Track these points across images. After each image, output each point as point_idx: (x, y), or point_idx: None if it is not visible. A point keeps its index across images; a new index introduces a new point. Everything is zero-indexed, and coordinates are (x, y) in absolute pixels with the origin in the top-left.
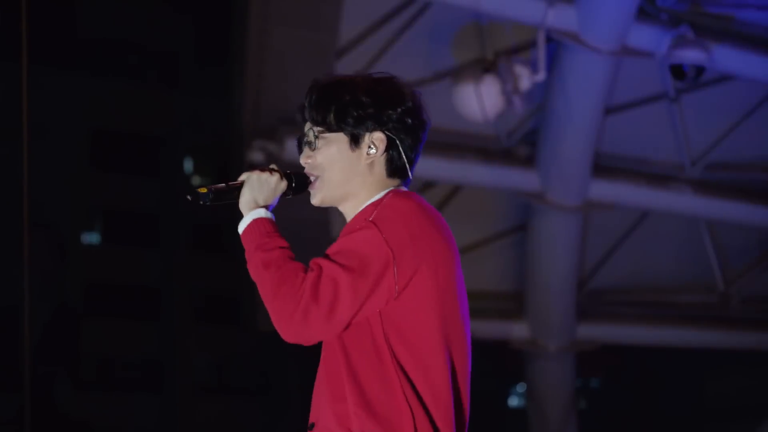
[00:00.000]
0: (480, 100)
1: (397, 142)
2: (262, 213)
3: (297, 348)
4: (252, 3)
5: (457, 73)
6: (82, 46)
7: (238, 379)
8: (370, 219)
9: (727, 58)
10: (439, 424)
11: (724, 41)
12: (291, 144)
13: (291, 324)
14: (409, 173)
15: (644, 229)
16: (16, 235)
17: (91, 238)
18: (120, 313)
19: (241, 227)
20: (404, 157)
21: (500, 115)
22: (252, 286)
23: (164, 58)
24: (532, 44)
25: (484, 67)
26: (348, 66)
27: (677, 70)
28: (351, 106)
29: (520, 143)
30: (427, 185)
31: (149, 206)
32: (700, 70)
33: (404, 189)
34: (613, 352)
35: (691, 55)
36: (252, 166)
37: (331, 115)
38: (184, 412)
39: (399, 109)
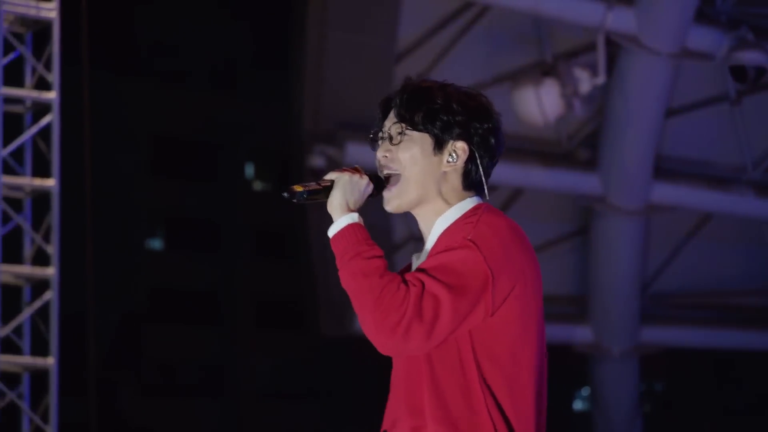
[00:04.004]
0: (540, 104)
1: (477, 156)
2: (356, 218)
3: (359, 354)
4: (310, 8)
5: (516, 77)
6: (142, 52)
7: (299, 384)
8: (469, 238)
9: None
10: None
11: None
12: (351, 148)
13: (392, 337)
14: (485, 190)
15: (707, 232)
16: (80, 243)
17: (154, 243)
18: (182, 319)
19: (333, 231)
20: (482, 172)
21: (560, 118)
22: (313, 292)
23: (224, 63)
24: (591, 47)
25: (543, 70)
26: (407, 70)
27: (738, 72)
28: (442, 110)
29: (580, 146)
30: (489, 189)
31: (211, 212)
32: (760, 71)
33: (489, 204)
34: (678, 355)
35: (751, 57)
36: (339, 166)
37: (421, 114)
38: (245, 417)
39: (486, 125)
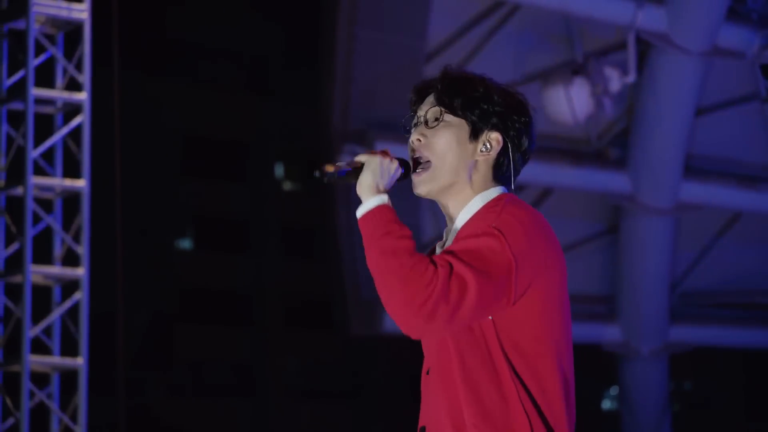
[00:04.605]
0: (570, 103)
1: (510, 149)
2: (385, 199)
3: (387, 353)
4: (340, 8)
5: (546, 76)
6: (172, 52)
7: (330, 383)
8: (494, 226)
9: None
10: (554, 428)
11: None
12: (381, 147)
13: (417, 315)
14: (512, 185)
15: (737, 231)
16: (110, 243)
17: (184, 243)
18: (211, 318)
19: (362, 211)
20: (512, 166)
21: (590, 117)
22: (342, 291)
23: (254, 63)
24: (621, 46)
25: (573, 69)
26: (437, 70)
27: None
28: (482, 98)
29: (610, 145)
30: (517, 188)
31: (240, 211)
32: None
33: (513, 194)
34: (707, 354)
35: None
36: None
37: (460, 100)
38: (276, 416)
39: (523, 119)
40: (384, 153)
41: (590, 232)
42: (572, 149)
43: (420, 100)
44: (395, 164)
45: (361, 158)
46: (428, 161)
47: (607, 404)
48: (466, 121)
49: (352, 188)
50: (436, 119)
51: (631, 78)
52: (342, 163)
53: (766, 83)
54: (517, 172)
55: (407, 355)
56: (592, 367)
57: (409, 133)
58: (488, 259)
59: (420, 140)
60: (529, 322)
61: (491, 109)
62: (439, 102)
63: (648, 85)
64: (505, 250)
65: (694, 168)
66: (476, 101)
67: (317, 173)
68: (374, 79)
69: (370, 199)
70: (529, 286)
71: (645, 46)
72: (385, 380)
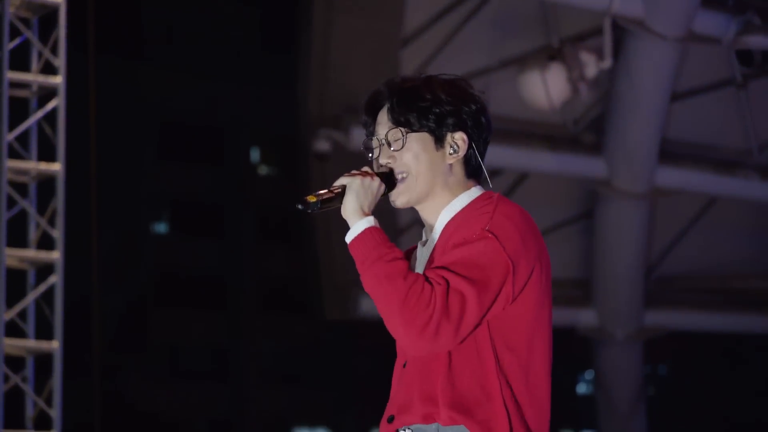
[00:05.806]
0: (546, 88)
1: (473, 142)
2: (372, 221)
3: (362, 337)
4: None
5: (522, 61)
6: (149, 36)
7: (306, 367)
8: (487, 228)
9: None
10: (533, 428)
11: None
12: (357, 132)
13: (422, 337)
14: (485, 173)
15: (712, 216)
16: (85, 227)
17: (160, 227)
18: (187, 302)
19: (351, 236)
20: (479, 157)
21: (566, 102)
22: (317, 276)
23: (231, 48)
24: (597, 31)
25: (549, 54)
26: (413, 55)
27: (745, 56)
28: (433, 104)
29: (586, 130)
30: (493, 173)
31: (216, 196)
32: (767, 55)
33: (499, 194)
34: (682, 339)
35: (758, 41)
36: (344, 151)
37: (414, 114)
38: (251, 400)
39: (473, 107)
40: (364, 173)
41: (566, 217)
42: (548, 134)
43: (373, 119)
44: (377, 182)
45: (342, 181)
46: (404, 174)
47: (582, 388)
48: (426, 132)
49: (328, 176)
50: (398, 140)
51: (607, 63)
52: (323, 191)
53: (742, 69)
54: (482, 158)
55: (384, 339)
56: (567, 352)
57: (370, 152)
58: (484, 265)
59: (389, 163)
60: (522, 320)
61: (445, 111)
62: (396, 123)
63: (624, 71)
64: (501, 253)
65: (670, 153)
66: (429, 109)
67: (300, 206)
68: (350, 63)
69: (356, 223)
70: (525, 285)
71: (621, 32)
72: (362, 364)
